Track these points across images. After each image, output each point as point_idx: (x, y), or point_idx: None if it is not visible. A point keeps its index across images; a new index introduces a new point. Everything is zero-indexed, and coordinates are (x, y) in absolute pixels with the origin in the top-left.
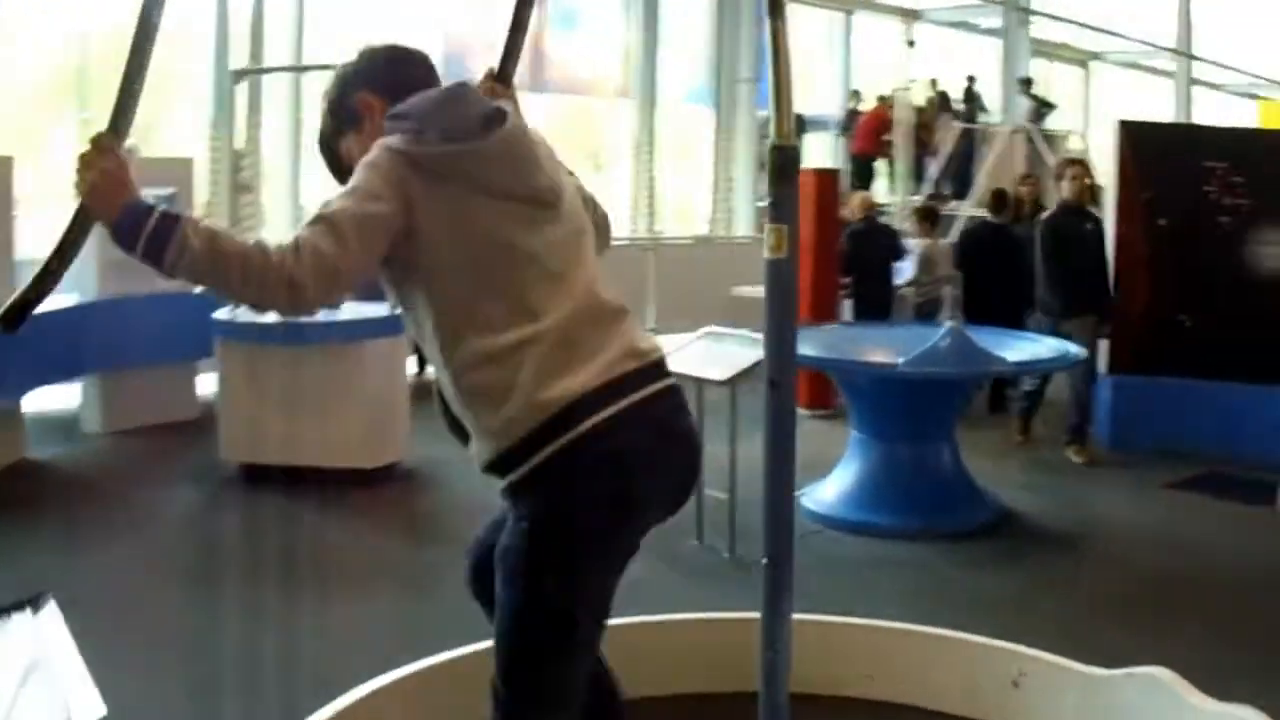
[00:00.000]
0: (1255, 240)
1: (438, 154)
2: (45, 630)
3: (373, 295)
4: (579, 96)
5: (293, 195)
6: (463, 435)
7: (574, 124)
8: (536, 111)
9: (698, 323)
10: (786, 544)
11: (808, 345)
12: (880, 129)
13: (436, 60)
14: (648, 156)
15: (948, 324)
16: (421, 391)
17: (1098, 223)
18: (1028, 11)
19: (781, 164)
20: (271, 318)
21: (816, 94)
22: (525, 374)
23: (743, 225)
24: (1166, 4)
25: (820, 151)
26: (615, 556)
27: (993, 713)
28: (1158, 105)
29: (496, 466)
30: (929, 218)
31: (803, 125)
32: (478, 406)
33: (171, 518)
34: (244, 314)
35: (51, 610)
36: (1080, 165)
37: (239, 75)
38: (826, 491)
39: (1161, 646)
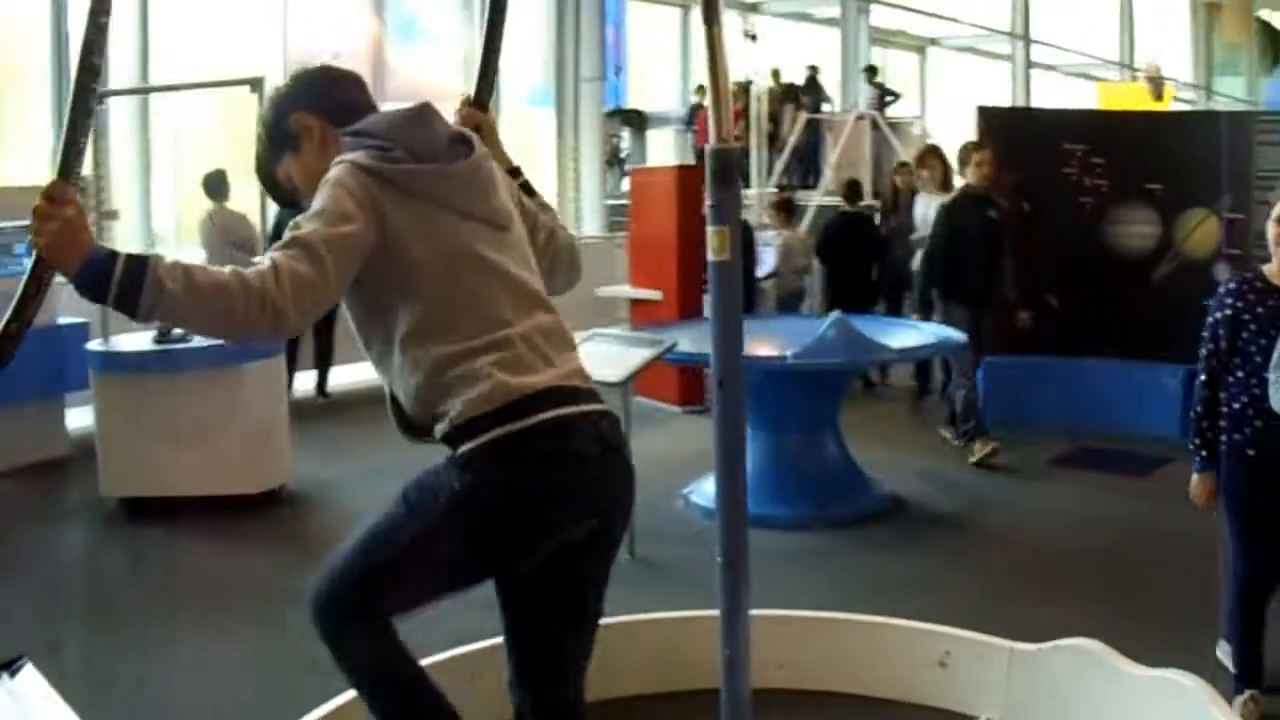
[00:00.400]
0: (1116, 220)
1: (406, 171)
2: (29, 694)
3: None
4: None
5: (144, 219)
6: (416, 434)
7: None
8: None
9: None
10: (741, 543)
11: (688, 341)
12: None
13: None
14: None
15: (833, 314)
16: (302, 412)
17: (1001, 210)
18: (866, 0)
19: (720, 167)
20: (147, 345)
21: (659, 90)
22: (494, 365)
23: (591, 225)
24: None
25: (664, 147)
26: (511, 543)
27: (921, 694)
28: (995, 89)
29: (452, 437)
30: (786, 209)
31: (645, 121)
32: (450, 397)
33: (55, 558)
34: (120, 344)
35: (30, 674)
36: (984, 151)
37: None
38: (714, 487)
39: (1068, 618)
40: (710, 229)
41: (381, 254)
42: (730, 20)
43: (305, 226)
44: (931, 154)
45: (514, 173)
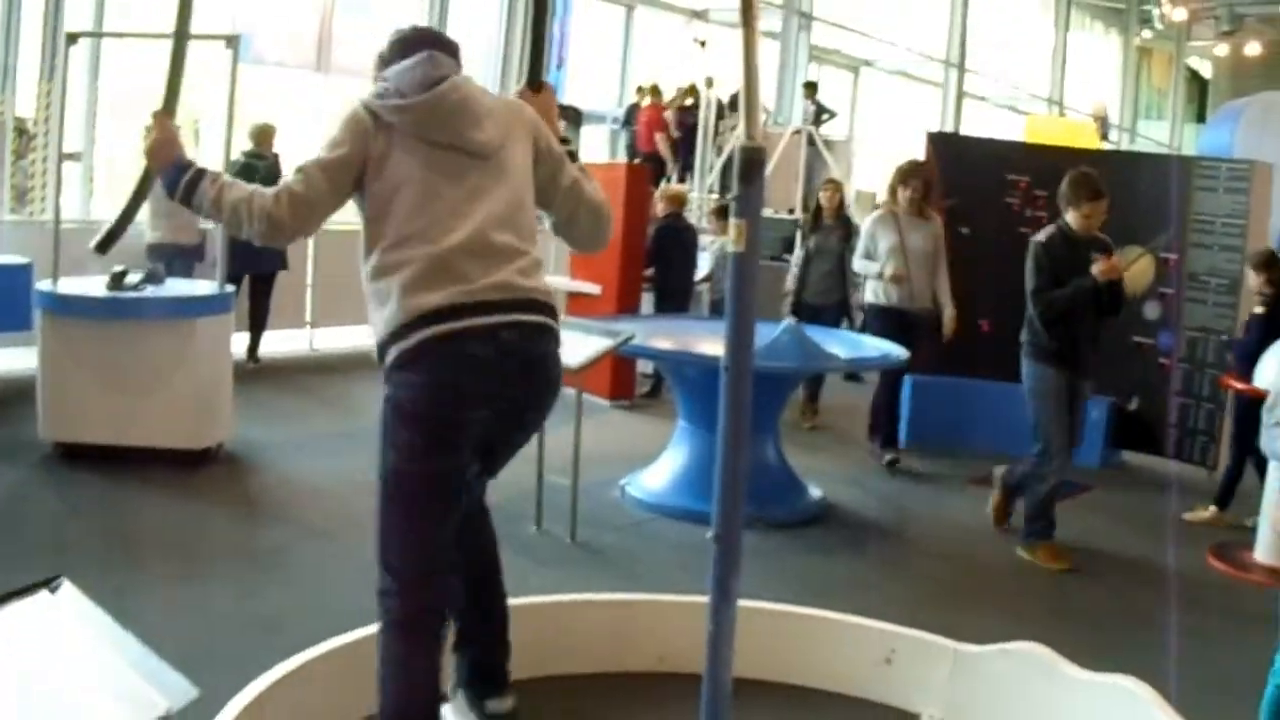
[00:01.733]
0: None
1: (389, 105)
2: (77, 612)
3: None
4: (366, 79)
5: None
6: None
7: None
8: (322, 92)
9: None
10: (735, 524)
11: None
12: (659, 126)
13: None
14: None
15: (786, 320)
16: (244, 374)
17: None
18: (809, 17)
19: (747, 163)
20: (101, 292)
21: (594, 87)
22: (402, 285)
23: None
24: (937, 16)
25: (598, 144)
26: (442, 437)
27: (865, 690)
28: (926, 114)
29: (379, 356)
30: (724, 215)
31: (581, 118)
32: (372, 307)
33: None
34: (70, 286)
35: (70, 590)
36: (1100, 202)
37: (73, 37)
38: (652, 480)
39: (998, 625)
40: (733, 221)
41: (365, 174)
42: (679, 26)
43: (312, 154)
44: (915, 173)
45: (563, 141)
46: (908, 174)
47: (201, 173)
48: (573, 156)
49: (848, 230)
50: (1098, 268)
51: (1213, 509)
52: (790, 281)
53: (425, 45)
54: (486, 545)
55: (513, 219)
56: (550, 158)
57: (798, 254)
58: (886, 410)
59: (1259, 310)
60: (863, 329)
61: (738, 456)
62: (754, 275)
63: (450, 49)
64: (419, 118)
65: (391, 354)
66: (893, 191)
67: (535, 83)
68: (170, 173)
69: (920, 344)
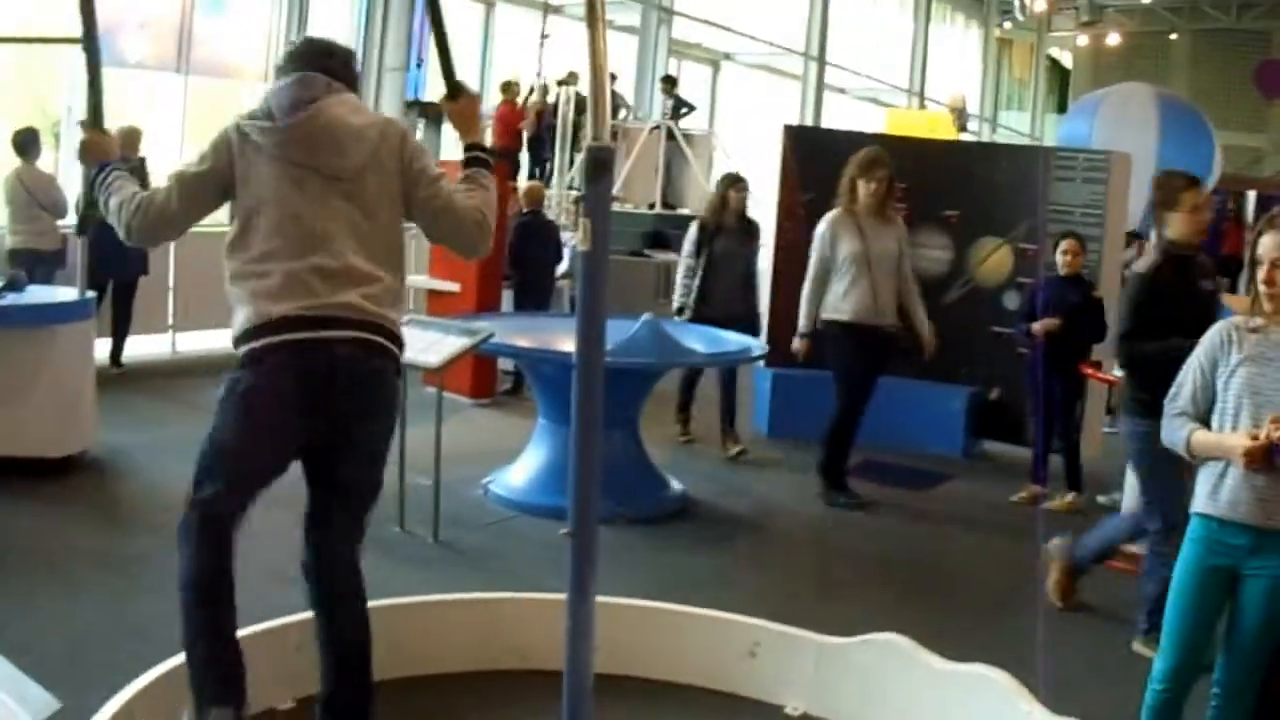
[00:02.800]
0: (912, 243)
1: (257, 126)
2: None
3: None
4: (223, 80)
5: None
6: None
7: (219, 107)
8: (180, 93)
9: None
10: (591, 519)
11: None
12: (516, 122)
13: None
14: None
15: (645, 315)
16: (107, 379)
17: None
18: (669, 11)
19: (594, 163)
20: None
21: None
22: (254, 293)
23: None
24: (797, 9)
25: (455, 142)
26: (252, 440)
27: (730, 683)
28: (786, 107)
29: (235, 344)
30: None
31: (440, 117)
32: (233, 312)
33: None
34: None
35: None
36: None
37: None
38: (514, 477)
39: (859, 617)
40: (581, 221)
41: (234, 188)
42: (530, 21)
43: (180, 167)
44: (877, 165)
45: (470, 147)
46: (869, 165)
47: (110, 173)
48: (486, 164)
49: (753, 233)
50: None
51: (1071, 495)
52: (681, 292)
53: (304, 63)
54: (352, 636)
55: (367, 241)
56: (411, 171)
57: (689, 261)
58: (725, 402)
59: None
60: (816, 350)
61: (589, 452)
62: (603, 273)
63: (333, 63)
64: (283, 140)
65: (240, 352)
66: (851, 187)
67: (453, 92)
68: (94, 173)
69: (891, 364)
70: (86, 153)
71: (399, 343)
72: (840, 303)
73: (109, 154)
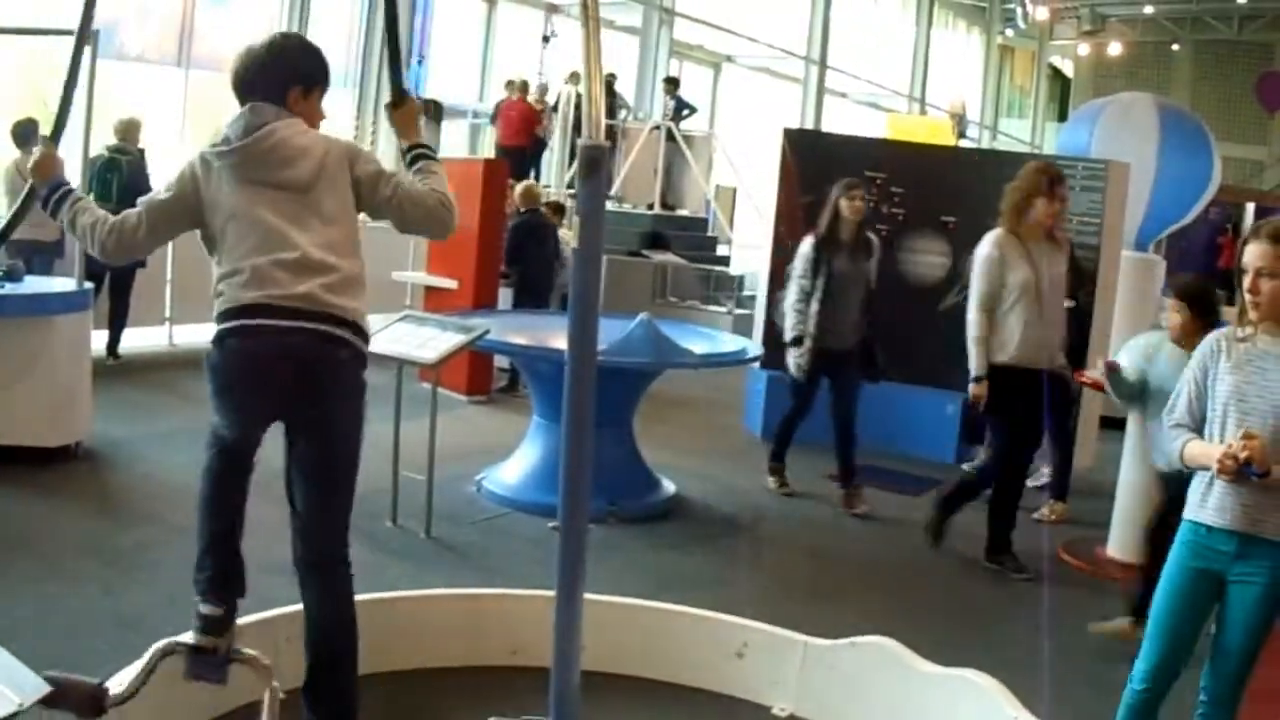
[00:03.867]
0: (910, 249)
1: (217, 151)
2: None
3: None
4: (224, 74)
5: None
6: None
7: (220, 100)
8: (180, 87)
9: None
10: (582, 516)
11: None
12: (533, 121)
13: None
14: None
15: (640, 315)
16: (103, 370)
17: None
18: (670, 13)
19: (588, 162)
20: None
21: (455, 82)
22: (229, 285)
23: None
24: (798, 12)
25: (458, 140)
26: (226, 409)
27: (718, 683)
28: (786, 110)
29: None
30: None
31: (441, 112)
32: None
33: None
34: None
35: None
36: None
37: None
38: (508, 474)
39: (847, 620)
40: (576, 219)
41: (203, 213)
42: (531, 19)
43: (153, 193)
44: (1060, 182)
45: (412, 148)
46: (1056, 181)
47: (67, 194)
48: (430, 156)
49: (870, 248)
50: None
51: (1060, 505)
52: (795, 320)
53: (250, 92)
54: (332, 632)
55: (323, 236)
56: (366, 178)
57: (804, 283)
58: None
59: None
60: (973, 406)
61: (582, 453)
62: (596, 270)
63: (273, 91)
64: (239, 161)
65: (214, 333)
66: (1023, 205)
67: (396, 96)
68: (44, 192)
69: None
70: (39, 171)
71: (355, 329)
72: (1006, 341)
73: (59, 173)
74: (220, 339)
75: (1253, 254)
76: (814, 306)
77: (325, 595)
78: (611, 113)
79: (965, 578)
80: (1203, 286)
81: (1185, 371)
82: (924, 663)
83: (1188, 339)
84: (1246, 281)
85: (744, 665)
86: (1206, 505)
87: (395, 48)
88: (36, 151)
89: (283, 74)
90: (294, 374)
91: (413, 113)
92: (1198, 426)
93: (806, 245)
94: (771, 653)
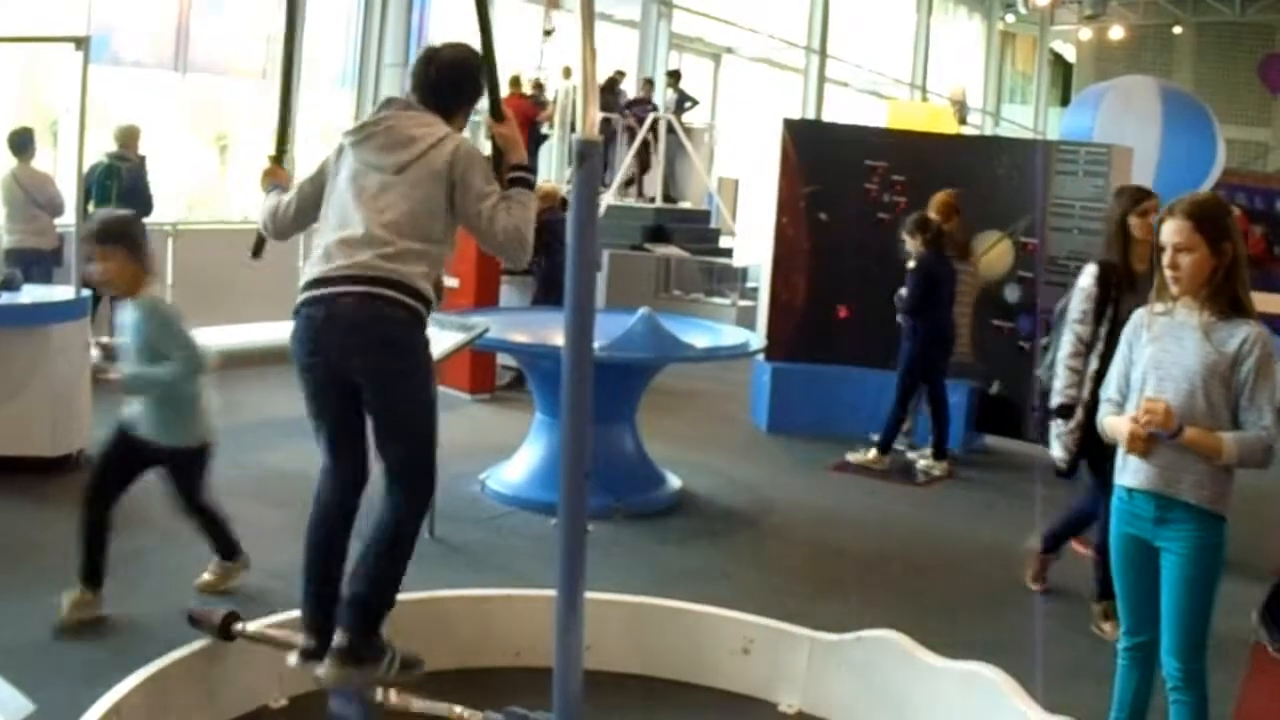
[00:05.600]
0: None
1: (347, 137)
2: None
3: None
4: (220, 77)
5: None
6: None
7: (217, 104)
8: (177, 91)
9: None
10: (580, 518)
11: (493, 329)
12: (524, 115)
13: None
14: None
15: (641, 310)
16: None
17: None
18: (669, 5)
19: (581, 155)
20: None
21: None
22: (309, 260)
23: None
24: (798, 2)
25: None
26: (305, 395)
27: (724, 680)
28: (787, 100)
29: None
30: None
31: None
32: None
33: None
34: None
35: None
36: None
37: None
38: (511, 473)
39: (854, 613)
40: (569, 214)
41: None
42: (529, 13)
43: None
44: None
45: (515, 168)
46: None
47: (274, 190)
48: (529, 183)
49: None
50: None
51: (873, 451)
52: (1068, 380)
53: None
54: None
55: (394, 216)
56: (462, 188)
57: (1081, 329)
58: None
59: (913, 264)
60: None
61: (581, 452)
62: (590, 265)
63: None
64: (357, 142)
65: None
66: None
67: (498, 115)
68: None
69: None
70: (273, 177)
71: (407, 290)
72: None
73: (282, 183)
74: (294, 313)
75: (1169, 231)
76: (1093, 364)
77: (382, 502)
78: (613, 108)
79: (972, 569)
80: None
81: (1118, 348)
82: (932, 656)
83: None
84: (1166, 258)
85: (750, 662)
86: (1127, 468)
87: (494, 67)
88: (267, 163)
89: (439, 86)
90: (342, 331)
91: (515, 131)
92: (1127, 400)
93: (1088, 278)
94: (778, 648)
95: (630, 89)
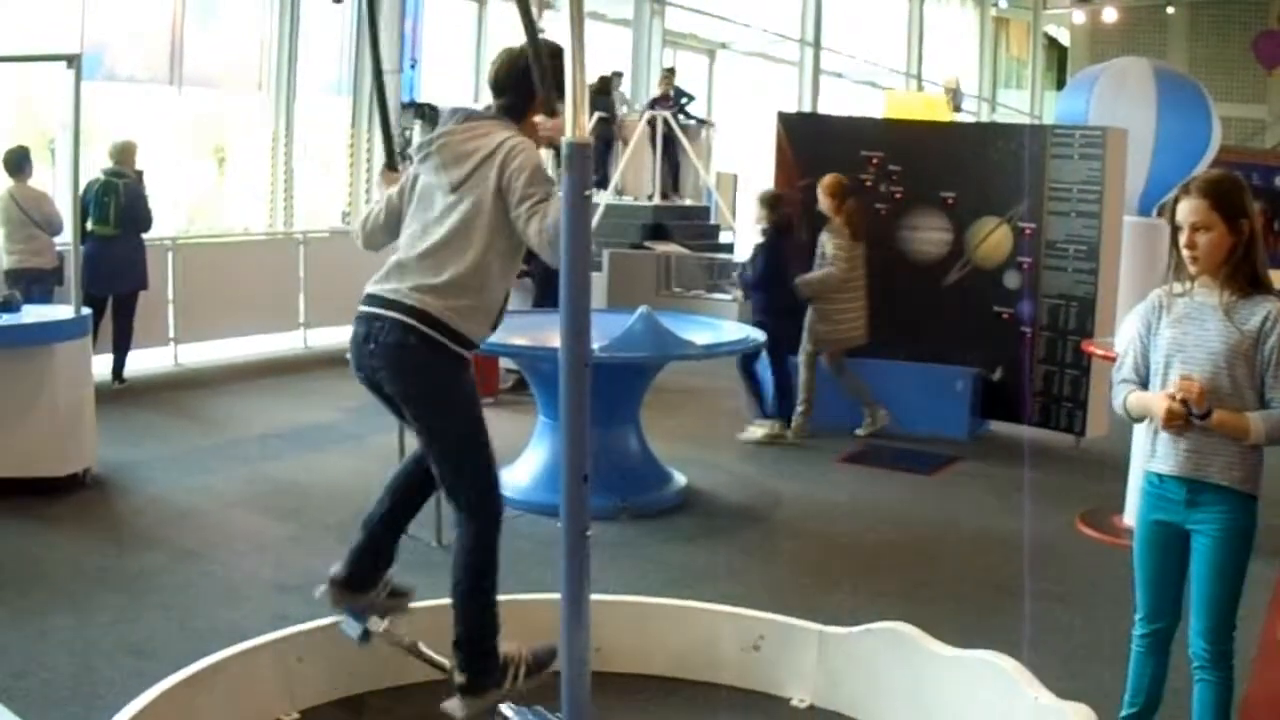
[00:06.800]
0: (910, 226)
1: (416, 147)
2: None
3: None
4: (215, 90)
5: None
6: None
7: (213, 118)
8: (173, 106)
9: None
10: (582, 521)
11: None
12: None
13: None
14: (286, 150)
15: (640, 308)
16: (99, 397)
17: None
18: (662, 2)
19: (569, 157)
20: None
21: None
22: None
23: None
24: None
25: None
26: None
27: (735, 677)
28: (784, 94)
29: None
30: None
31: (436, 115)
32: None
33: None
34: None
35: None
36: None
37: None
38: (517, 476)
39: (864, 607)
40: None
41: None
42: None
43: None
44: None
45: None
46: None
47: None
48: None
49: None
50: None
51: (771, 423)
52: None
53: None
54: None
55: (440, 240)
56: (507, 192)
57: None
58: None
59: (760, 240)
60: None
61: (580, 456)
62: (585, 268)
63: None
64: (421, 159)
65: None
66: None
67: (550, 109)
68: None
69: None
70: (388, 182)
71: (430, 321)
72: None
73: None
74: None
75: (1186, 210)
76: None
77: (457, 539)
78: (610, 109)
79: (981, 557)
80: None
81: (1129, 329)
82: (941, 646)
83: None
84: (1183, 238)
85: (761, 658)
86: (1155, 454)
87: (540, 57)
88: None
89: (507, 87)
90: (372, 354)
91: (559, 126)
92: (1144, 382)
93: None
94: (788, 644)
95: (628, 88)
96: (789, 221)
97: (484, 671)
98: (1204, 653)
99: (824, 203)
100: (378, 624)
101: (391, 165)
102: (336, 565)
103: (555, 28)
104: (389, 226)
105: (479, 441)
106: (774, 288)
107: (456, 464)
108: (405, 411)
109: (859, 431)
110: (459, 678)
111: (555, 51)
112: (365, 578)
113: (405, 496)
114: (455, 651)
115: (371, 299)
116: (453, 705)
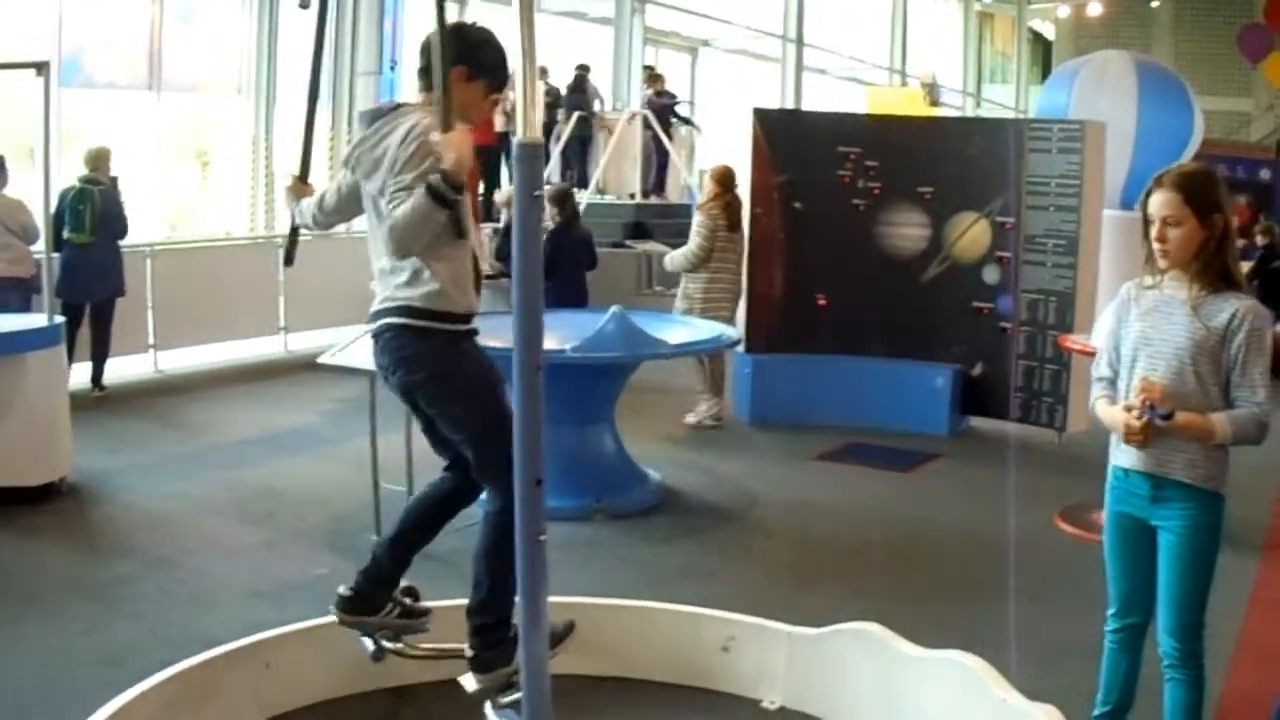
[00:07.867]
0: (888, 222)
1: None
2: None
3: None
4: (195, 94)
5: None
6: None
7: (193, 123)
8: (152, 111)
9: (331, 319)
10: (535, 526)
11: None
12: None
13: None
14: (266, 153)
15: (612, 308)
16: (77, 404)
17: None
18: (643, 0)
19: (521, 158)
20: None
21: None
22: None
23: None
24: None
25: None
26: None
27: (705, 679)
28: (766, 91)
29: None
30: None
31: None
32: None
33: None
34: None
35: None
36: None
37: None
38: None
39: (839, 606)
40: (514, 217)
41: None
42: (503, 18)
43: None
44: None
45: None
46: None
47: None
48: (436, 194)
49: None
50: None
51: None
52: None
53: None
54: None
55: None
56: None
57: None
58: None
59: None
60: None
61: (534, 456)
62: (537, 270)
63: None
64: (351, 171)
65: None
66: None
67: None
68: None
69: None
70: (295, 194)
71: (413, 312)
72: None
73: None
74: None
75: (1157, 203)
76: None
77: (484, 516)
78: (583, 106)
79: (959, 554)
80: None
81: (1105, 324)
82: (909, 646)
83: None
84: (1154, 231)
85: (731, 659)
86: (1120, 448)
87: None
88: (290, 179)
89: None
90: (377, 353)
91: (461, 139)
92: (1119, 375)
93: None
94: (758, 645)
95: (604, 83)
96: (576, 217)
97: (491, 650)
98: (1173, 651)
99: (708, 188)
100: (391, 643)
101: (303, 177)
102: (343, 585)
103: (502, 20)
104: (345, 207)
105: (500, 423)
106: (557, 275)
107: (477, 431)
108: (424, 408)
109: (688, 419)
110: (468, 649)
111: (484, 39)
112: (372, 598)
113: (419, 524)
114: (468, 620)
115: (373, 315)
116: (466, 679)
